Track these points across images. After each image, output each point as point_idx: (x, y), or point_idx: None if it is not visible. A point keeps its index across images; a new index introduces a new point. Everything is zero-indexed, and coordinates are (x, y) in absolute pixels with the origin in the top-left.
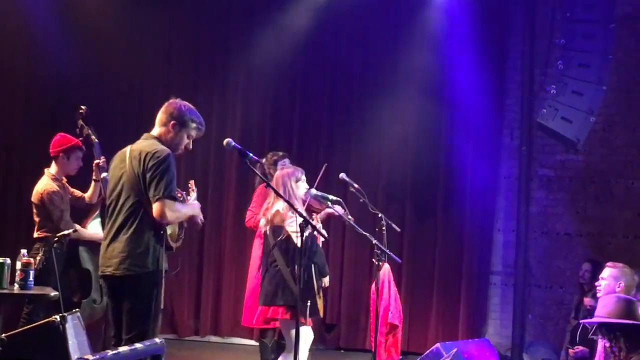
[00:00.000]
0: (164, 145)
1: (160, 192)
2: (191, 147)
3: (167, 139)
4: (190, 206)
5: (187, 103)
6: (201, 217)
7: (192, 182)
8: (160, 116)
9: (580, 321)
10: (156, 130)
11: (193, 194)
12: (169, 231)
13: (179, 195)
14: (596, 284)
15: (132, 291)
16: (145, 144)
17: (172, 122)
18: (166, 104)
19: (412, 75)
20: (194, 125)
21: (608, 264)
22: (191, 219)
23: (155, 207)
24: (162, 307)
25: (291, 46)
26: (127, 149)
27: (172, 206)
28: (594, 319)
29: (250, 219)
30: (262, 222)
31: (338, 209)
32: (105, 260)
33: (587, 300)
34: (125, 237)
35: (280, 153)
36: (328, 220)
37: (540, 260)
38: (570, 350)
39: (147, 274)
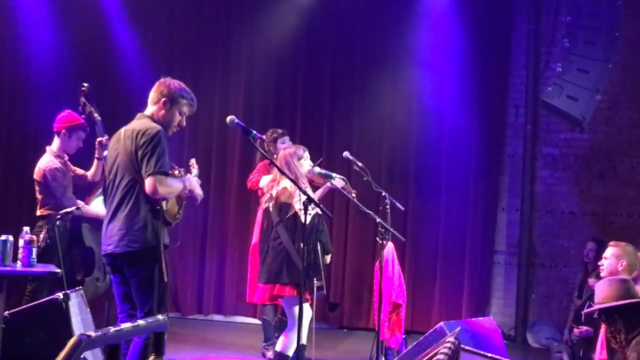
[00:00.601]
0: (156, 123)
1: (152, 168)
2: (184, 123)
3: (159, 117)
4: (183, 180)
5: (177, 81)
6: (198, 191)
7: (193, 160)
8: (151, 95)
9: (583, 312)
10: (149, 109)
11: (194, 171)
12: (166, 207)
13: (176, 171)
14: (599, 263)
15: (134, 267)
16: (138, 123)
17: (162, 99)
18: (157, 82)
19: (416, 54)
20: (184, 101)
21: (610, 243)
22: (189, 194)
23: (147, 183)
24: (167, 279)
25: (294, 24)
26: (122, 129)
27: (163, 181)
28: (592, 308)
29: (250, 179)
30: (265, 197)
31: (338, 183)
32: (106, 238)
33: (591, 281)
34: (123, 215)
35: (280, 130)
36: (332, 199)
37: (545, 240)
38: (575, 330)
39: (147, 249)
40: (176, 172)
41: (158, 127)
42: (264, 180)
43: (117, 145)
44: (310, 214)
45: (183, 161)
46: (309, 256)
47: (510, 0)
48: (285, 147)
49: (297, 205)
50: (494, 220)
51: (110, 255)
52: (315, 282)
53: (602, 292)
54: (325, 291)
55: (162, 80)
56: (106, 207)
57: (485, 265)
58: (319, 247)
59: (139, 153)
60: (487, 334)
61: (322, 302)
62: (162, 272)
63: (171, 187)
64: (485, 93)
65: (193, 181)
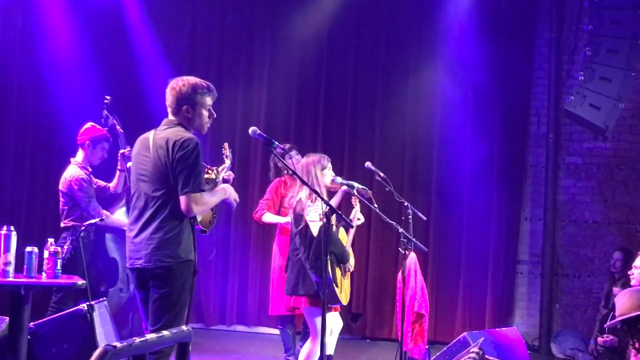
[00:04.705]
0: (188, 130)
1: (189, 186)
2: (214, 114)
3: (189, 123)
4: (218, 193)
5: (184, 80)
6: (234, 196)
7: (225, 145)
8: (170, 105)
9: (605, 325)
10: (175, 116)
11: (227, 161)
12: (200, 217)
13: (209, 171)
14: (629, 272)
15: (161, 282)
16: (170, 131)
17: (183, 107)
18: (168, 89)
19: (438, 63)
20: (203, 96)
21: None
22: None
23: (183, 201)
24: (192, 296)
25: (316, 34)
26: (150, 135)
27: (199, 199)
28: (614, 320)
29: (257, 210)
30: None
31: (355, 185)
32: (133, 252)
33: (616, 290)
34: (155, 228)
35: (287, 145)
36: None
37: (568, 249)
38: (600, 339)
39: (178, 264)
40: (210, 173)
41: (194, 138)
42: (268, 217)
43: (146, 152)
44: (315, 225)
45: (214, 159)
46: (320, 267)
47: (532, 9)
48: (296, 160)
49: (308, 217)
50: (516, 229)
51: (138, 270)
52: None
53: (623, 303)
54: (343, 302)
55: (171, 84)
56: (131, 218)
57: (509, 275)
58: (328, 258)
59: (176, 167)
60: (511, 344)
61: (345, 313)
62: (192, 287)
63: (207, 204)
64: (507, 102)
65: (228, 189)
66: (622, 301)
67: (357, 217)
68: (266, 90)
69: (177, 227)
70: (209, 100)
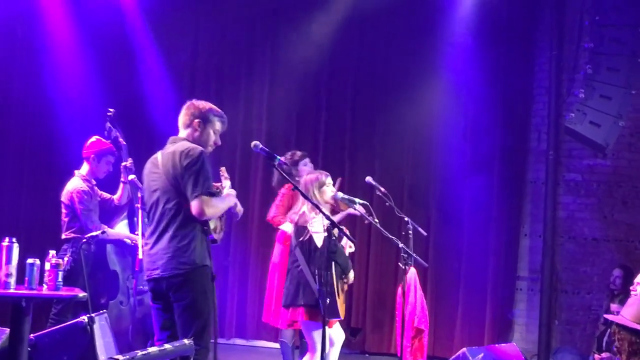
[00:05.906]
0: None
1: (198, 190)
2: (219, 141)
3: (195, 138)
4: (227, 198)
5: (203, 101)
6: (239, 206)
7: (223, 169)
8: (183, 119)
9: (604, 315)
10: (183, 132)
11: (227, 182)
12: (211, 226)
13: (216, 187)
14: (631, 288)
15: (181, 291)
16: (176, 145)
17: (195, 120)
18: (184, 106)
19: (438, 79)
20: (216, 119)
21: None
22: (229, 209)
23: (194, 205)
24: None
25: (316, 49)
26: (158, 154)
27: (209, 202)
28: (615, 317)
29: (275, 216)
30: (288, 225)
31: (360, 209)
32: (150, 264)
33: (614, 307)
34: (169, 237)
35: (300, 153)
36: (354, 224)
37: (567, 266)
38: (597, 356)
39: (195, 271)
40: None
41: (199, 147)
42: (287, 227)
43: (156, 169)
44: (319, 236)
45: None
46: (322, 278)
47: (532, 27)
48: (306, 170)
49: (312, 228)
50: (516, 246)
51: (155, 280)
52: (327, 301)
53: (630, 309)
54: (341, 316)
55: (189, 102)
56: (148, 232)
57: (508, 291)
58: (334, 269)
59: (184, 175)
60: None
61: (344, 327)
62: (213, 292)
63: (217, 207)
64: (507, 119)
65: (233, 198)
66: (632, 306)
67: (348, 244)
68: (267, 105)
69: (190, 234)
70: (218, 125)
